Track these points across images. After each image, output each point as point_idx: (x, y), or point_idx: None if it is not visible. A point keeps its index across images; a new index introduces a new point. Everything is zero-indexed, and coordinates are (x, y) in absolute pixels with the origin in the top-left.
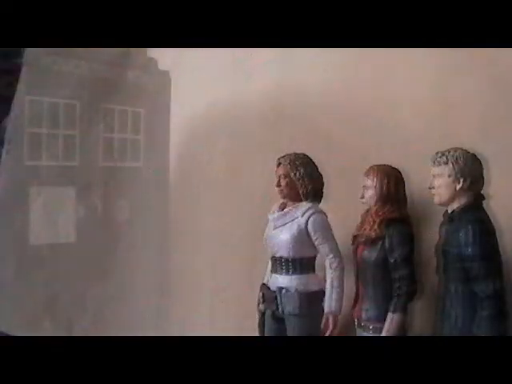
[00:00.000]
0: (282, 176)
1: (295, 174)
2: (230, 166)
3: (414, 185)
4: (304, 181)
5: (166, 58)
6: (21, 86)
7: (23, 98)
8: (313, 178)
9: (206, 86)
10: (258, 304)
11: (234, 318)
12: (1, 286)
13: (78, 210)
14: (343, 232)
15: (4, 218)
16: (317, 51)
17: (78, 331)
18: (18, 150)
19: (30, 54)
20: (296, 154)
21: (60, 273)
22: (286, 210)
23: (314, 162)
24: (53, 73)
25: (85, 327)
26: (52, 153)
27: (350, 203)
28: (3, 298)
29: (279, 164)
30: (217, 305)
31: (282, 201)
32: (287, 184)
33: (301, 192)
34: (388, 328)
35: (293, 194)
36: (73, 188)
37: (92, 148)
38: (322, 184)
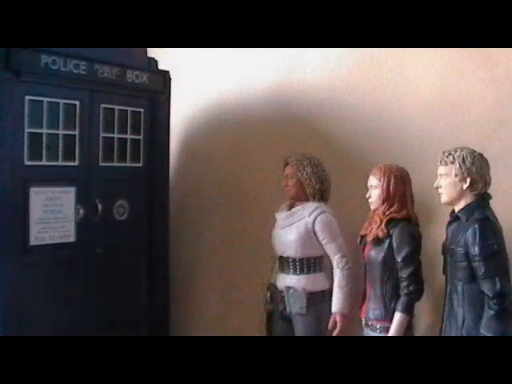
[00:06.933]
0: (289, 176)
1: (302, 174)
2: (231, 166)
3: (414, 185)
4: (311, 181)
5: (165, 58)
6: (21, 86)
7: (23, 98)
8: (319, 177)
9: (206, 86)
10: (266, 303)
11: (236, 317)
12: (0, 286)
13: (78, 210)
14: (344, 232)
15: (4, 218)
16: (319, 51)
17: (78, 331)
18: (17, 150)
19: (30, 53)
20: (302, 153)
21: (60, 273)
22: (293, 210)
23: (320, 162)
24: (53, 73)
25: (84, 327)
26: (52, 153)
27: (350, 203)
28: (3, 298)
29: (286, 164)
30: (218, 305)
31: (288, 201)
32: (294, 184)
33: (308, 192)
34: (392, 327)
35: (300, 194)
36: (73, 188)
37: (92, 148)
38: (329, 184)
